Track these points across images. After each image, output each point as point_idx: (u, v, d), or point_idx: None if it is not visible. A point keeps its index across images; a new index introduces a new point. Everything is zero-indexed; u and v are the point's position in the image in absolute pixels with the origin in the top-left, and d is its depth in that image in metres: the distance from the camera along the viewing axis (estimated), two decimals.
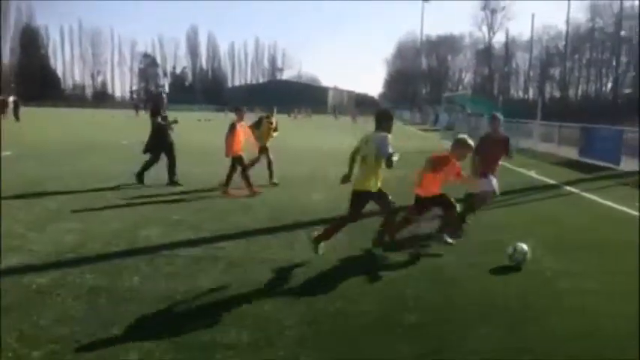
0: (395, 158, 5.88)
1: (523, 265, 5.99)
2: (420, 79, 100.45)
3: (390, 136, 6.16)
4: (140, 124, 38.05)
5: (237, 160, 10.27)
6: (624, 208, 9.83)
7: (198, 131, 29.79)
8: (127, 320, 4.32)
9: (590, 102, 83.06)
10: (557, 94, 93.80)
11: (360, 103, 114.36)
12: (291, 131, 31.71)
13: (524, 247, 6.09)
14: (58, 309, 4.53)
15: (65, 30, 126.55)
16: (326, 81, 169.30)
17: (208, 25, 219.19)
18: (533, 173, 15.21)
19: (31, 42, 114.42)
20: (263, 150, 11.71)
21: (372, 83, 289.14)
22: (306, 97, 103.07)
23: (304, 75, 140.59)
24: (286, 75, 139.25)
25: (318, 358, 3.79)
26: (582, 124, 21.47)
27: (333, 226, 6.38)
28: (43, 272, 5.45)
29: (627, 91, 78.78)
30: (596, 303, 5.03)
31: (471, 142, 6.88)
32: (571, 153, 20.45)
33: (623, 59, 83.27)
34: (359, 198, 6.22)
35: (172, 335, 4.06)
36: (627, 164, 16.31)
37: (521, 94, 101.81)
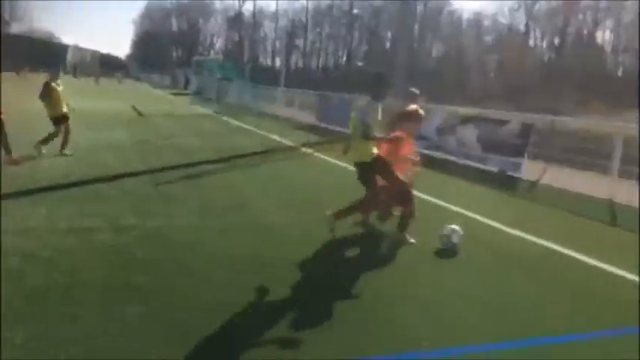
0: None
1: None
2: (170, 41, 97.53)
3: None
4: None
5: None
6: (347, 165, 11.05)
7: None
8: None
9: (329, 72, 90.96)
10: (301, 63, 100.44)
11: (105, 64, 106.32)
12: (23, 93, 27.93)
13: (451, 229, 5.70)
14: None
15: None
16: (65, 38, 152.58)
17: None
18: (276, 136, 16.12)
19: None
20: (62, 119, 10.32)
21: (119, 44, 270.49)
22: (41, 54, 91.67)
23: (38, 29, 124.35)
24: (16, 29, 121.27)
25: (22, 335, 3.48)
26: (319, 92, 23.41)
27: (355, 207, 5.97)
28: None
29: (360, 63, 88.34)
30: (321, 250, 5.58)
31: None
32: (310, 118, 22.18)
33: (356, 34, 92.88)
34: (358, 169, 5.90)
35: None
36: None
37: (269, 62, 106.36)
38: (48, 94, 10.17)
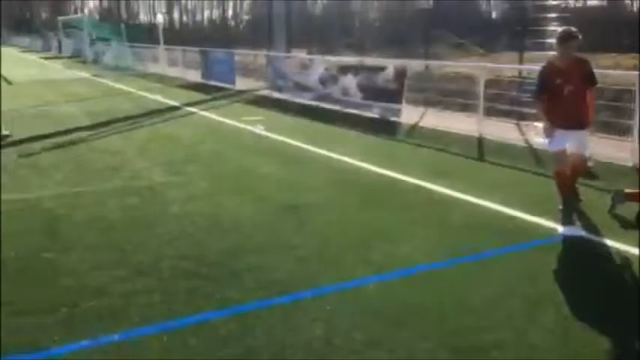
0: None
1: None
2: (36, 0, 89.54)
3: None
4: None
5: None
6: (234, 122, 11.02)
7: None
8: None
9: (215, 27, 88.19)
10: (185, 20, 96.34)
11: None
12: None
13: None
14: None
15: None
16: None
17: None
18: (159, 97, 15.60)
19: None
20: None
21: None
22: None
23: None
24: None
25: None
26: (201, 48, 22.72)
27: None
28: None
29: (246, 17, 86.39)
30: (200, 206, 5.63)
31: None
32: (196, 76, 21.59)
33: None
34: None
35: None
36: (241, 84, 18.17)
37: (150, 18, 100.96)
38: None
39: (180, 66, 23.94)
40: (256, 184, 6.50)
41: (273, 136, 9.54)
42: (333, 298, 3.62)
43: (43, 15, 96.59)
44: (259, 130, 10.12)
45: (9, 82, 19.20)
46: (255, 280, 3.88)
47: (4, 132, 8.98)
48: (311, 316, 3.35)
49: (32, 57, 41.65)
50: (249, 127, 10.36)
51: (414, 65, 12.83)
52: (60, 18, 39.50)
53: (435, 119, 10.49)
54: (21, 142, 8.75)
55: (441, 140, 8.84)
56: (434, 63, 14.95)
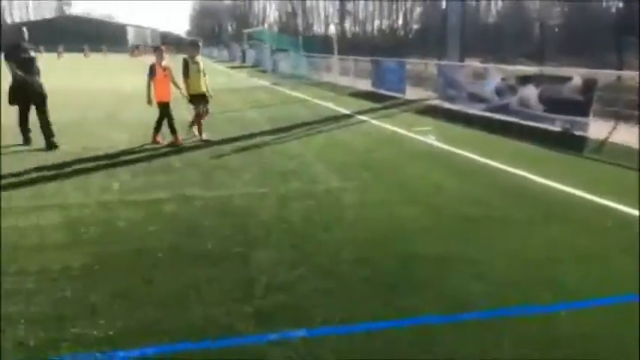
0: None
1: None
2: (225, 15, 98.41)
3: None
4: None
5: (163, 108, 9.51)
6: (404, 132, 11.05)
7: None
8: None
9: (385, 37, 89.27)
10: (356, 30, 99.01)
11: (165, 42, 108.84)
12: (83, 71, 29.34)
13: None
14: None
15: None
16: (125, 18, 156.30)
17: None
18: (331, 105, 16.21)
19: None
20: (199, 99, 9.84)
21: (178, 21, 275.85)
22: (102, 34, 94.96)
23: (98, 10, 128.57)
24: (77, 10, 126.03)
25: (108, 294, 3.82)
26: (372, 58, 23.16)
27: None
28: None
29: (415, 26, 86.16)
30: (375, 212, 5.74)
31: None
32: (366, 85, 22.07)
33: None
34: None
35: None
36: (411, 93, 18.19)
37: (324, 30, 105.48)
38: (186, 73, 9.72)
39: (351, 75, 24.65)
40: (430, 193, 6.44)
41: (444, 146, 9.38)
42: (517, 321, 3.43)
43: (230, 28, 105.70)
44: (430, 140, 10.02)
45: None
46: (434, 292, 3.84)
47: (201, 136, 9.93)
48: (496, 337, 3.22)
49: (220, 67, 45.86)
50: (420, 137, 10.30)
51: (605, 75, 11.74)
52: (245, 31, 42.79)
53: (628, 135, 9.51)
54: (214, 144, 9.65)
55: (633, 159, 7.98)
56: (627, 73, 13.56)
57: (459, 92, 14.96)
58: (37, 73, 9.15)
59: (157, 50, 9.87)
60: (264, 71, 35.83)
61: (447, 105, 15.23)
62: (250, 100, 17.98)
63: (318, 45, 40.14)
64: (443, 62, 18.03)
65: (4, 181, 6.86)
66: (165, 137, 9.65)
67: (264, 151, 9.17)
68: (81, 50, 69.41)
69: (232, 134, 10.56)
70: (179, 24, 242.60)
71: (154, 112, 9.64)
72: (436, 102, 16.08)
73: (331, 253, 4.59)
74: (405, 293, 3.83)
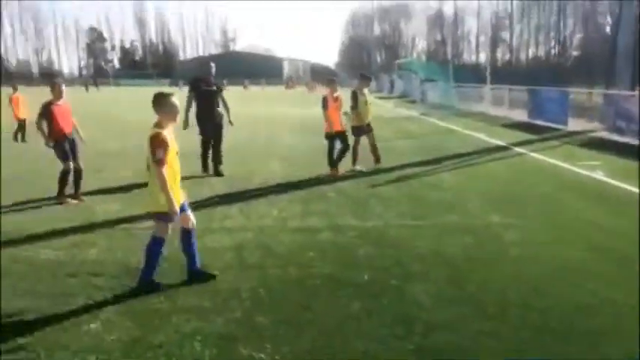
0: None
1: None
2: (374, 46, 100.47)
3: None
4: (90, 101, 37.01)
5: (338, 135, 9.71)
6: (569, 166, 10.28)
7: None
8: (86, 291, 4.39)
9: (540, 64, 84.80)
10: (508, 58, 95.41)
11: (316, 73, 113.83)
12: (245, 103, 31.56)
13: None
14: (15, 284, 4.56)
15: (3, 6, 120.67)
16: (280, 51, 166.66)
17: None
18: (482, 136, 15.66)
19: None
20: (364, 129, 10.20)
21: (328, 52, 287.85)
22: (260, 68, 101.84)
23: (258, 46, 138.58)
24: (239, 46, 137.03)
25: (273, 318, 3.96)
26: (530, 87, 22.06)
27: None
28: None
29: (575, 53, 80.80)
30: (539, 252, 5.36)
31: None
32: (521, 115, 21.06)
33: (570, 21, 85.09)
34: None
35: (130, 303, 4.17)
36: (574, 124, 16.96)
37: (473, 58, 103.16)
38: (355, 104, 10.05)
39: (504, 105, 23.70)
40: (602, 236, 5.87)
41: (616, 183, 8.56)
42: None
43: (379, 59, 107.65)
44: (599, 175, 9.22)
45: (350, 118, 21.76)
46: (617, 350, 3.45)
47: None
48: None
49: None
50: (587, 172, 9.53)
51: None
52: (396, 61, 43.19)
53: None
54: (366, 174, 9.76)
55: None
56: None
57: (631, 124, 13.64)
58: (219, 105, 9.60)
59: (329, 82, 10.14)
60: (412, 101, 35.83)
61: (615, 137, 13.99)
62: (399, 130, 18.01)
63: (468, 74, 39.24)
64: (612, 91, 16.60)
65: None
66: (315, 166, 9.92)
67: (416, 182, 9.06)
68: (241, 83, 75.02)
69: (385, 165, 10.62)
70: (329, 55, 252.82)
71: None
72: (603, 134, 14.84)
73: (494, 294, 4.34)
74: (581, 349, 3.48)
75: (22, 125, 14.86)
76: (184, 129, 9.11)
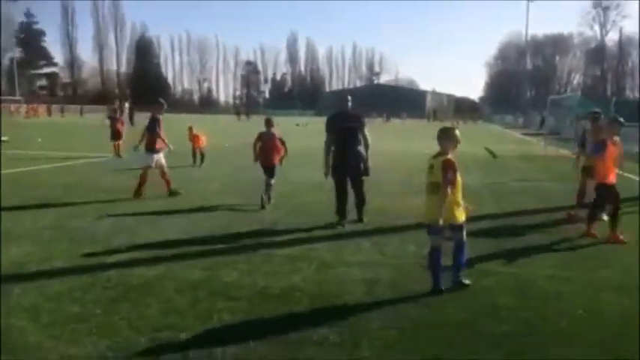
0: None
1: None
2: (524, 80, 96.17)
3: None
4: (240, 128, 39.63)
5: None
6: None
7: (296, 135, 30.47)
8: (225, 314, 4.58)
9: None
10: None
11: (460, 107, 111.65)
12: (384, 136, 31.71)
13: None
14: (162, 301, 4.88)
15: (175, 40, 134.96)
16: (424, 84, 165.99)
17: (307, 31, 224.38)
18: None
19: (145, 52, 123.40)
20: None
21: (472, 86, 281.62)
22: (403, 101, 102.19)
23: (402, 79, 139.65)
24: (383, 79, 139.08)
25: None
26: None
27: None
28: (151, 266, 5.89)
29: None
30: None
31: None
32: None
33: None
34: None
35: (265, 330, 4.26)
36: None
37: (637, 94, 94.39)
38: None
39: None
40: None
41: None
42: None
43: (528, 94, 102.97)
44: None
45: (494, 155, 20.86)
46: None
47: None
48: None
49: (515, 133, 44.65)
50: None
51: None
52: (550, 97, 40.85)
53: None
54: (506, 215, 9.21)
55: None
56: None
57: None
58: (360, 143, 8.29)
59: (596, 120, 9.24)
60: (565, 140, 33.46)
61: None
62: (548, 170, 16.86)
63: (631, 111, 35.89)
64: None
65: (326, 249, 7.65)
66: None
67: (568, 228, 8.31)
68: (381, 116, 75.93)
69: (526, 205, 9.94)
70: (473, 89, 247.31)
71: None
72: None
73: None
74: None
75: (202, 153, 16.08)
76: (326, 176, 8.42)
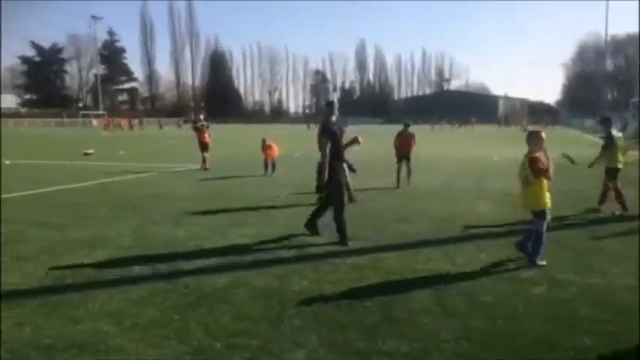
0: None
1: None
2: (604, 82, 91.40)
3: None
4: (310, 137, 40.03)
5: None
6: None
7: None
8: (295, 321, 4.65)
9: None
10: None
11: (534, 112, 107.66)
12: (451, 142, 31.03)
13: None
14: (236, 307, 5.02)
15: (247, 52, 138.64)
16: (496, 89, 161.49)
17: (376, 39, 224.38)
18: None
19: (218, 65, 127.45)
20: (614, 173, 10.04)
21: (548, 90, 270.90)
22: (474, 106, 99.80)
23: (473, 84, 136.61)
24: (454, 85, 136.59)
25: None
26: None
27: None
28: (224, 273, 6.07)
29: None
30: None
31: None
32: None
33: None
34: None
35: (334, 338, 4.29)
36: None
37: None
38: (609, 146, 10.01)
39: None
40: None
41: None
42: None
43: (610, 97, 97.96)
44: None
45: (572, 161, 20.00)
46: None
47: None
48: None
49: (593, 138, 42.45)
50: None
51: None
52: (632, 100, 38.71)
53: None
54: (590, 222, 8.79)
55: None
56: None
57: None
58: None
59: None
60: None
61: None
62: (628, 177, 15.90)
63: None
64: None
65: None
66: None
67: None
68: (450, 122, 74.66)
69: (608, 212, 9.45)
70: (549, 93, 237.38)
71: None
72: None
73: None
74: None
75: (274, 163, 16.53)
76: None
